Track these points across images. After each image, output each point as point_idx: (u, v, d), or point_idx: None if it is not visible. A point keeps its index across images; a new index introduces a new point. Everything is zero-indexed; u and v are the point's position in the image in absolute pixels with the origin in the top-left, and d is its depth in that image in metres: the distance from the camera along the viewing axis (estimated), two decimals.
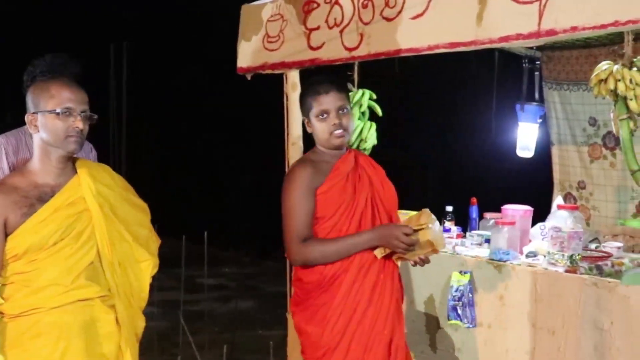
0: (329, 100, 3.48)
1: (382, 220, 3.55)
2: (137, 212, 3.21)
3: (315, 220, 3.48)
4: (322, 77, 3.66)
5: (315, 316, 3.46)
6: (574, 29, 3.39)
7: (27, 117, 2.94)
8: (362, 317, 3.41)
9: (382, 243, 3.40)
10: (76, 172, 3.03)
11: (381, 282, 3.46)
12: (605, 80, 3.86)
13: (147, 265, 3.17)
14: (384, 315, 3.44)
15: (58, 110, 2.90)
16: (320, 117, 3.50)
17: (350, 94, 5.21)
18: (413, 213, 5.02)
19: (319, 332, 3.44)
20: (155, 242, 3.27)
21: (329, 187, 3.47)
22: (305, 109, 3.59)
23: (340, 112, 3.50)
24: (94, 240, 2.98)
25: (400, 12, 4.12)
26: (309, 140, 4.96)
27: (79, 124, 2.92)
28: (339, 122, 3.48)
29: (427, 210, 3.42)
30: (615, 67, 3.83)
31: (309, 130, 3.64)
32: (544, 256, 4.21)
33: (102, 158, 3.94)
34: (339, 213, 3.46)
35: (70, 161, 3.02)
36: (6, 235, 2.85)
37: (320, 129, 3.53)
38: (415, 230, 3.37)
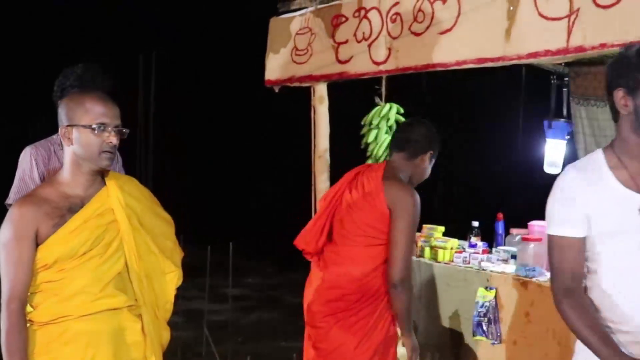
0: None
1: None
2: (163, 224, 3.23)
3: None
4: None
5: None
6: (602, 45, 3.38)
7: (61, 130, 2.95)
8: None
9: None
10: (105, 184, 3.05)
11: None
12: None
13: (172, 277, 3.19)
14: None
15: (94, 126, 2.90)
16: None
17: (377, 107, 5.23)
18: (439, 228, 5.04)
19: None
20: (179, 254, 3.29)
21: None
22: None
23: None
24: (122, 251, 3.01)
25: (428, 27, 4.12)
26: (335, 154, 4.98)
27: (113, 140, 2.94)
28: None
29: None
30: None
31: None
32: None
33: (128, 167, 3.97)
34: None
35: (100, 173, 3.04)
36: (37, 245, 2.88)
37: None
38: None
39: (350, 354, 3.77)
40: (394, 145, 4.06)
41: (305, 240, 3.99)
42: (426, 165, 3.98)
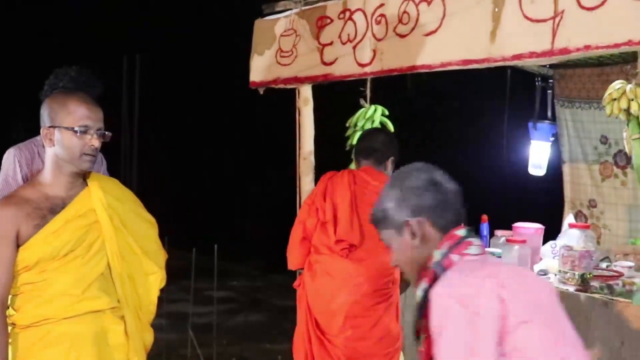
0: None
1: None
2: (146, 226, 3.21)
3: None
4: None
5: None
6: (587, 47, 3.38)
7: (43, 131, 2.93)
8: None
9: None
10: (87, 185, 3.03)
11: None
12: (618, 100, 3.85)
13: (155, 278, 3.18)
14: None
15: (76, 128, 2.89)
16: None
17: (362, 109, 5.22)
18: None
19: None
20: (163, 255, 3.27)
21: None
22: None
23: None
24: (104, 252, 2.99)
25: (413, 28, 4.11)
26: (320, 156, 4.97)
27: (95, 143, 2.93)
28: None
29: None
30: (629, 86, 3.82)
31: None
32: (555, 275, 4.20)
33: (113, 169, 3.95)
34: None
35: (81, 174, 3.02)
36: (18, 246, 2.86)
37: None
38: None
39: (397, 337, 4.08)
40: (361, 154, 4.28)
41: (349, 235, 4.04)
42: (390, 170, 4.18)
